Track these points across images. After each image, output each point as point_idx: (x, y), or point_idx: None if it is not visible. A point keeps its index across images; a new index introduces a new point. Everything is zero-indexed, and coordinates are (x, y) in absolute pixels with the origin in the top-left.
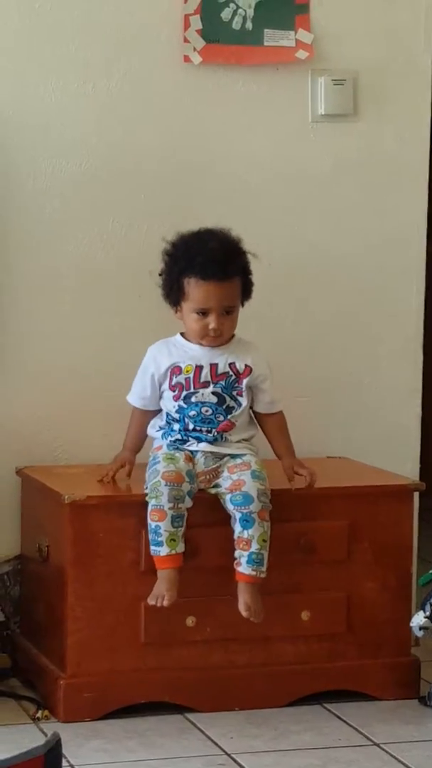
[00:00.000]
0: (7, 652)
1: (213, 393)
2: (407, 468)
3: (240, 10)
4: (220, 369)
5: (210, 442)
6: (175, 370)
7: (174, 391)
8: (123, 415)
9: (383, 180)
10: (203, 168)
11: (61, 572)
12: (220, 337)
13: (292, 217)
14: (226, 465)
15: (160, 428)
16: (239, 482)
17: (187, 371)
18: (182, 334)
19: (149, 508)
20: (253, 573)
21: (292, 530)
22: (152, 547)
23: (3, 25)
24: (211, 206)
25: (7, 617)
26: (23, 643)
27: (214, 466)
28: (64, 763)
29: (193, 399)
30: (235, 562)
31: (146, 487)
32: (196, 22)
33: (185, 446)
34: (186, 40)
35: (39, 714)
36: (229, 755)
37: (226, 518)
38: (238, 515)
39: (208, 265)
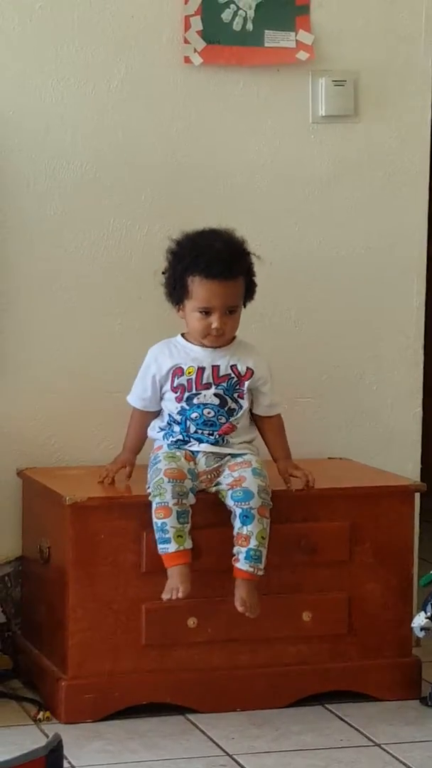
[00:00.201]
0: (8, 653)
1: (215, 395)
2: (408, 469)
3: (240, 11)
4: (222, 371)
5: (211, 444)
6: (177, 371)
7: (176, 392)
8: (124, 416)
9: (384, 181)
10: (204, 169)
11: (62, 573)
12: (222, 337)
13: (292, 217)
14: (227, 464)
15: (161, 429)
16: (240, 479)
17: (189, 373)
18: (183, 336)
19: (153, 506)
20: (251, 570)
21: (293, 531)
22: (160, 546)
23: (3, 26)
24: (211, 207)
25: (9, 618)
26: (24, 644)
27: (215, 466)
28: (66, 764)
29: (195, 401)
30: (234, 557)
31: (149, 486)
32: (197, 23)
33: (186, 447)
34: (186, 41)
35: (40, 715)
36: (230, 756)
37: (227, 520)
38: (238, 511)
39: (213, 264)
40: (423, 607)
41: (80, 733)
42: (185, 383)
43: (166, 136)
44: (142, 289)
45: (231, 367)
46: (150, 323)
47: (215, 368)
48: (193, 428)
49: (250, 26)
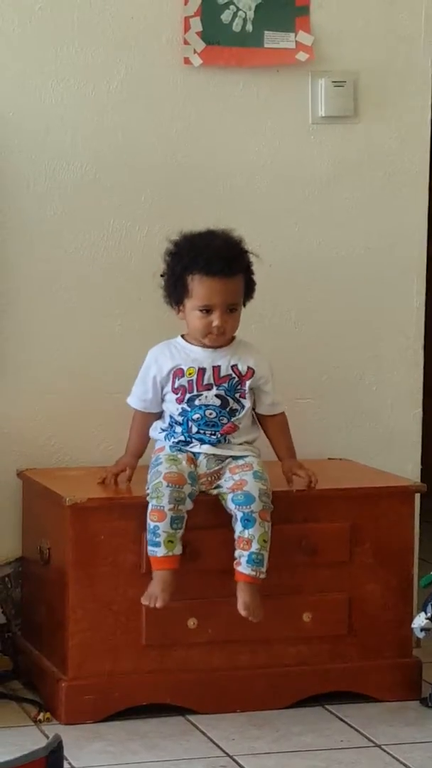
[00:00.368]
0: (8, 654)
1: (216, 396)
2: (408, 469)
3: (240, 12)
4: (223, 371)
5: (213, 444)
6: (178, 372)
7: (177, 393)
8: (124, 417)
9: (384, 181)
10: (203, 170)
11: (62, 574)
12: (223, 336)
13: (292, 218)
14: (228, 466)
15: (162, 430)
16: (241, 482)
17: (190, 374)
18: (183, 337)
19: (149, 508)
20: (253, 573)
21: (293, 532)
22: (149, 548)
23: (3, 27)
24: (211, 208)
25: (9, 619)
26: (24, 645)
27: (216, 468)
28: (66, 765)
29: (196, 402)
30: (235, 561)
31: (148, 488)
32: (196, 24)
33: (188, 448)
34: (186, 42)
35: (40, 716)
36: (230, 757)
37: (228, 520)
38: (239, 515)
39: (212, 261)
40: (423, 608)
41: (80, 734)
42: (186, 384)
43: (166, 136)
44: (142, 290)
45: (232, 367)
46: (150, 324)
47: (216, 369)
48: (195, 429)
49: (249, 27)
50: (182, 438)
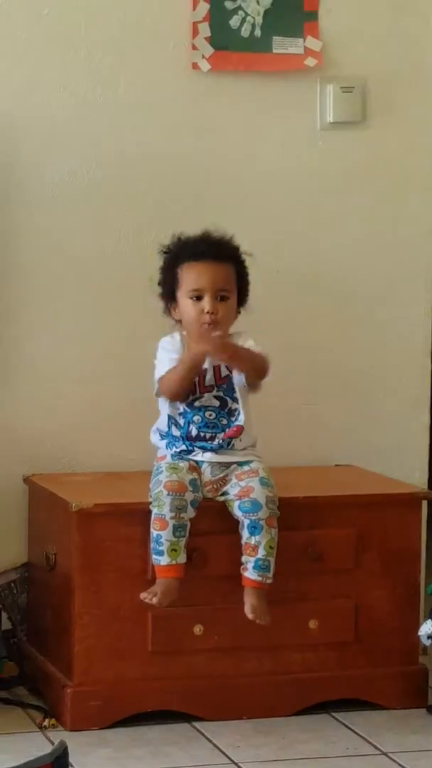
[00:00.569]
0: (14, 660)
1: (215, 397)
2: (415, 476)
3: (249, 18)
4: (223, 371)
5: (215, 451)
6: None
7: None
8: (130, 421)
9: (392, 187)
10: (211, 175)
11: (68, 580)
12: (217, 324)
13: (301, 224)
14: (234, 472)
15: (162, 436)
16: (248, 489)
17: None
18: (182, 336)
19: (152, 516)
20: (260, 579)
21: (299, 538)
22: (153, 556)
23: (11, 33)
24: (219, 213)
25: (14, 625)
26: (30, 651)
27: (221, 475)
28: None
29: (196, 403)
30: (242, 567)
31: (150, 496)
32: (205, 30)
33: (190, 456)
34: (194, 48)
35: (46, 722)
36: (236, 764)
37: (234, 526)
38: (246, 522)
39: (199, 245)
40: (430, 615)
41: (86, 740)
42: None
43: (174, 142)
44: (152, 296)
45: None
46: (156, 329)
47: (216, 369)
48: (194, 431)
49: (258, 32)
50: (184, 447)
